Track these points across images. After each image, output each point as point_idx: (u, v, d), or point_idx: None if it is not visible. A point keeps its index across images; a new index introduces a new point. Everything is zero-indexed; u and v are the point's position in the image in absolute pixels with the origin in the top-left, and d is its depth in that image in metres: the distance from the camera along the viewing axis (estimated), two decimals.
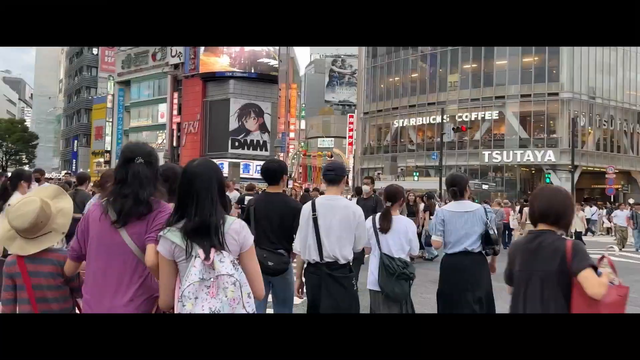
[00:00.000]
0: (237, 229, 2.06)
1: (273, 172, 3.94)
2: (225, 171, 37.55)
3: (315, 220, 3.47)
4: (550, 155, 36.23)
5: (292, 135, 50.30)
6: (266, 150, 40.55)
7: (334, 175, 3.66)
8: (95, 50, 64.58)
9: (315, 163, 52.34)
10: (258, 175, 37.75)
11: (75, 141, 64.21)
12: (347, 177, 4.29)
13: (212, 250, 1.94)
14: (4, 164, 55.07)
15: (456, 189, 4.27)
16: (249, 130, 40.60)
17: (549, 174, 34.09)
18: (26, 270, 2.37)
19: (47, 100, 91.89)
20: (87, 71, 65.32)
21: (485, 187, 30.10)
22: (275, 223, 3.81)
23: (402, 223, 4.23)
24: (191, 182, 2.08)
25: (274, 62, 41.13)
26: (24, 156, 55.98)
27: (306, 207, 3.59)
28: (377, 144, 46.83)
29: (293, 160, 49.60)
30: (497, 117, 38.40)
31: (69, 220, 2.54)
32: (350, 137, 54.53)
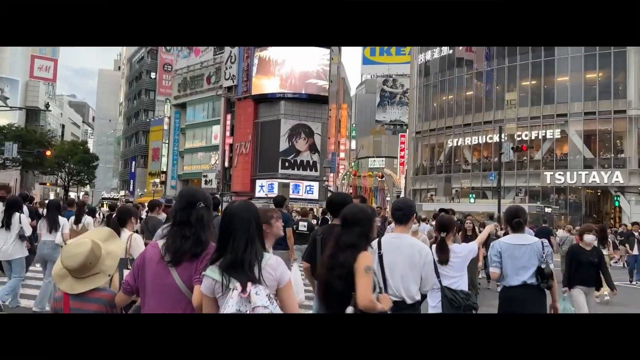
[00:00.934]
0: (273, 265, 2.18)
1: (338, 205, 3.88)
2: (275, 192, 37.46)
3: (380, 257, 3.43)
4: (617, 176, 33.88)
5: (342, 155, 49.99)
6: (316, 170, 40.28)
7: (402, 214, 3.60)
8: (153, 75, 67.12)
9: (366, 183, 51.62)
10: (308, 196, 37.65)
11: (133, 162, 66.53)
12: (415, 214, 3.96)
13: (249, 284, 2.05)
14: (66, 184, 57.47)
15: (521, 220, 4.32)
16: (299, 151, 40.52)
17: (618, 196, 31.84)
18: (69, 307, 2.48)
19: (107, 122, 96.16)
20: (146, 94, 67.81)
21: (548, 210, 28.25)
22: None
23: (458, 252, 4.36)
24: (230, 221, 2.24)
25: (323, 83, 41.08)
26: (85, 176, 58.24)
27: (372, 245, 3.44)
28: (429, 164, 45.49)
29: (343, 181, 49.14)
30: (560, 136, 36.37)
31: (117, 263, 2.68)
32: (402, 157, 53.51)
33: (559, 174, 35.82)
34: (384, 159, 66.39)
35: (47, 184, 61.25)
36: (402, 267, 3.38)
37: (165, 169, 55.52)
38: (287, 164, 40.17)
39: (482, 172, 38.88)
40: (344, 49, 52.01)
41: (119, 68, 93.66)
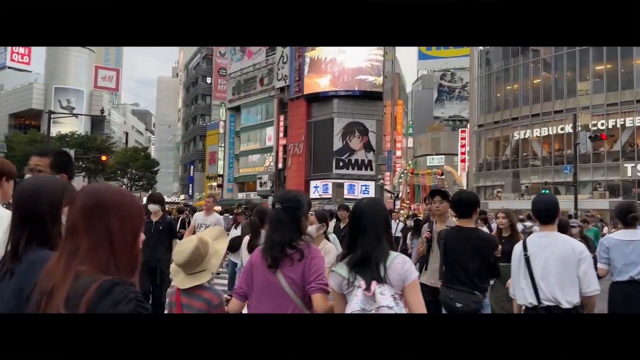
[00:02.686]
0: (400, 263, 2.18)
1: (465, 204, 3.81)
2: (330, 192, 36.30)
3: (527, 260, 3.25)
4: None
5: (398, 153, 48.38)
6: (371, 169, 38.90)
7: (548, 214, 3.35)
8: (209, 79, 68.18)
9: (424, 182, 49.67)
10: (363, 195, 36.38)
11: (192, 166, 67.84)
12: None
13: (374, 283, 2.07)
14: (129, 189, 59.23)
15: (637, 215, 4.25)
16: (353, 150, 39.33)
17: None
18: (180, 302, 2.61)
19: (167, 128, 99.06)
20: (202, 99, 69.03)
21: None
22: (468, 260, 3.69)
23: None
24: (359, 218, 2.27)
25: (377, 79, 39.67)
26: (145, 182, 59.83)
27: (517, 247, 3.43)
28: (494, 158, 42.68)
29: (400, 180, 47.50)
30: None
31: (220, 262, 2.73)
32: (463, 153, 51.06)
33: None
34: (443, 156, 64.29)
35: None
36: (555, 268, 3.14)
37: (221, 172, 56.06)
38: (341, 164, 39.10)
39: (554, 166, 35.85)
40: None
41: (177, 75, 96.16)
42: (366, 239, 2.18)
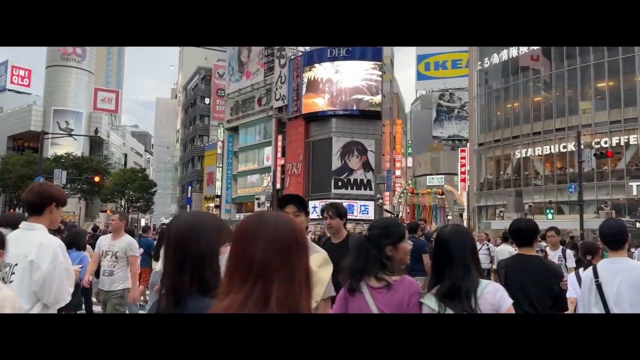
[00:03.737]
0: (491, 292, 2.12)
1: (525, 232, 3.61)
2: None
3: (599, 287, 3.15)
4: None
5: (397, 173, 47.92)
6: (370, 189, 38.29)
7: (617, 239, 3.25)
8: (207, 100, 68.17)
9: (424, 202, 48.97)
10: (363, 216, 35.56)
11: (190, 187, 67.40)
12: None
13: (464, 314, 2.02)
14: (126, 211, 58.65)
15: None
16: (352, 169, 38.79)
17: None
18: None
19: (165, 150, 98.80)
20: (200, 120, 69.00)
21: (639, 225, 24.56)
22: (532, 291, 3.43)
23: None
24: (445, 247, 2.22)
25: (375, 98, 39.37)
26: (143, 203, 59.21)
27: (587, 273, 3.36)
28: (495, 178, 41.96)
29: (400, 200, 46.83)
30: None
31: (323, 289, 2.73)
32: (463, 172, 50.53)
33: None
34: (442, 176, 63.73)
35: (108, 210, 62.75)
36: (629, 295, 3.05)
37: (219, 193, 55.52)
38: (340, 184, 38.53)
39: (557, 185, 35.07)
40: (396, 66, 50.51)
41: (176, 96, 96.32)
42: (454, 269, 2.15)
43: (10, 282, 2.58)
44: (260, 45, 45.58)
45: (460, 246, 2.17)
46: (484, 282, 2.13)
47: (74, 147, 55.48)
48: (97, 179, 30.31)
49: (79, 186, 46.28)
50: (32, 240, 2.63)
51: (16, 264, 2.61)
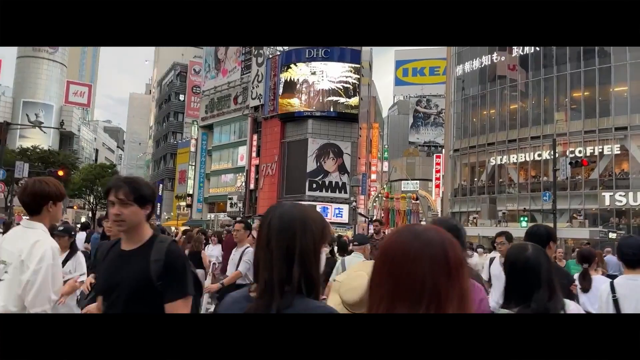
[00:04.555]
0: (574, 311, 2.13)
1: (540, 237, 3.32)
2: None
3: (616, 302, 3.17)
4: None
5: (373, 177, 47.60)
6: (345, 192, 37.79)
7: (635, 258, 3.23)
8: (182, 97, 66.84)
9: (399, 206, 48.75)
10: (336, 219, 34.96)
11: (161, 185, 65.80)
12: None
13: None
14: (93, 207, 57.03)
15: None
16: (327, 172, 38.23)
17: None
18: None
19: (137, 146, 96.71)
20: (174, 117, 67.61)
21: (612, 235, 24.55)
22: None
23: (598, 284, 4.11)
24: (526, 269, 2.16)
25: (347, 101, 39.03)
26: None
27: (604, 287, 3.34)
28: (470, 184, 42.02)
29: (374, 204, 46.51)
30: (619, 152, 32.51)
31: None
32: (437, 178, 50.59)
33: (620, 195, 31.81)
34: (418, 181, 63.86)
35: (75, 207, 60.82)
36: None
37: (191, 192, 54.34)
38: (314, 186, 37.91)
39: (531, 193, 35.20)
40: (374, 70, 50.23)
41: (150, 92, 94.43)
42: (541, 292, 2.13)
43: (1, 280, 2.48)
44: (239, 46, 44.93)
45: (547, 269, 2.15)
46: (567, 302, 2.18)
47: (43, 140, 54.12)
48: (61, 173, 28.91)
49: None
50: (28, 239, 2.54)
51: (11, 263, 2.52)
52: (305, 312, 1.25)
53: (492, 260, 6.05)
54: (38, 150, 47.34)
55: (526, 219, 29.29)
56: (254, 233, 5.89)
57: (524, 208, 31.21)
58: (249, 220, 7.11)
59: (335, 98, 38.95)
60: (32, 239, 2.52)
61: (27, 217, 2.71)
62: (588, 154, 32.46)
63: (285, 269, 1.32)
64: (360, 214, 36.30)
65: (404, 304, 1.00)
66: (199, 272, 7.05)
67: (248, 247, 5.92)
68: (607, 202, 32.12)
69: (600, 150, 32.94)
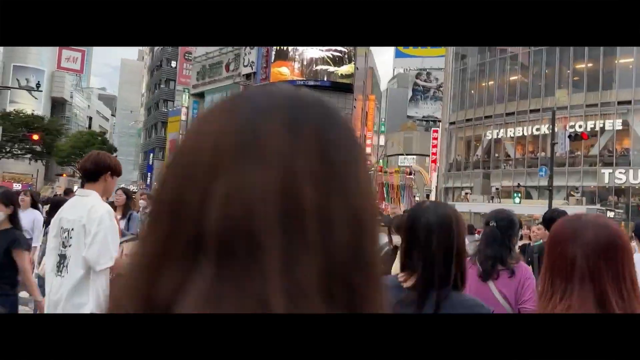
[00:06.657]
0: None
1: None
2: None
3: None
4: None
5: (368, 150, 46.47)
6: None
7: None
8: (174, 63, 65.16)
9: (393, 181, 47.68)
10: None
11: (152, 154, 64.81)
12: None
13: None
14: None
15: None
16: None
17: None
18: None
19: (128, 114, 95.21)
20: (166, 84, 66.22)
21: (610, 214, 23.42)
22: None
23: None
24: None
25: (337, 69, 37.88)
26: None
27: None
28: (465, 159, 40.84)
29: None
30: (621, 127, 31.14)
31: None
32: (434, 153, 49.46)
33: (620, 172, 30.50)
34: (415, 156, 62.72)
35: (64, 175, 59.93)
36: None
37: None
38: None
39: (527, 169, 33.92)
40: (375, 51, 49.05)
41: (143, 58, 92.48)
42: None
43: (69, 246, 2.78)
44: (234, 46, 43.67)
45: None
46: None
47: (34, 106, 53.01)
48: (35, 137, 27.71)
49: (27, 146, 43.51)
50: (85, 206, 2.82)
51: (72, 229, 2.79)
52: (460, 306, 1.40)
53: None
54: (22, 114, 46.02)
55: (519, 195, 28.23)
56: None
57: (518, 184, 30.02)
58: None
59: (324, 67, 37.89)
60: (88, 204, 2.79)
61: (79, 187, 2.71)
62: (589, 129, 31.13)
63: (443, 268, 1.44)
64: None
65: (561, 280, 1.12)
66: None
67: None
68: (606, 180, 30.96)
69: (602, 125, 31.59)
